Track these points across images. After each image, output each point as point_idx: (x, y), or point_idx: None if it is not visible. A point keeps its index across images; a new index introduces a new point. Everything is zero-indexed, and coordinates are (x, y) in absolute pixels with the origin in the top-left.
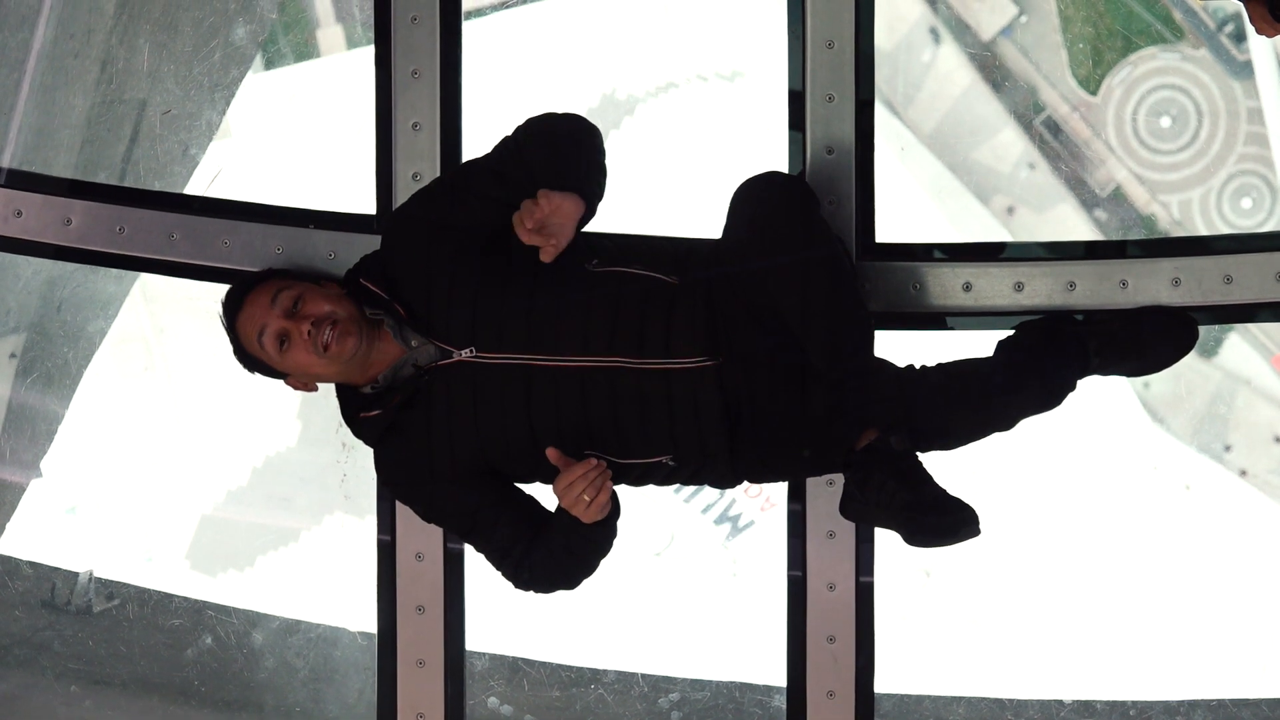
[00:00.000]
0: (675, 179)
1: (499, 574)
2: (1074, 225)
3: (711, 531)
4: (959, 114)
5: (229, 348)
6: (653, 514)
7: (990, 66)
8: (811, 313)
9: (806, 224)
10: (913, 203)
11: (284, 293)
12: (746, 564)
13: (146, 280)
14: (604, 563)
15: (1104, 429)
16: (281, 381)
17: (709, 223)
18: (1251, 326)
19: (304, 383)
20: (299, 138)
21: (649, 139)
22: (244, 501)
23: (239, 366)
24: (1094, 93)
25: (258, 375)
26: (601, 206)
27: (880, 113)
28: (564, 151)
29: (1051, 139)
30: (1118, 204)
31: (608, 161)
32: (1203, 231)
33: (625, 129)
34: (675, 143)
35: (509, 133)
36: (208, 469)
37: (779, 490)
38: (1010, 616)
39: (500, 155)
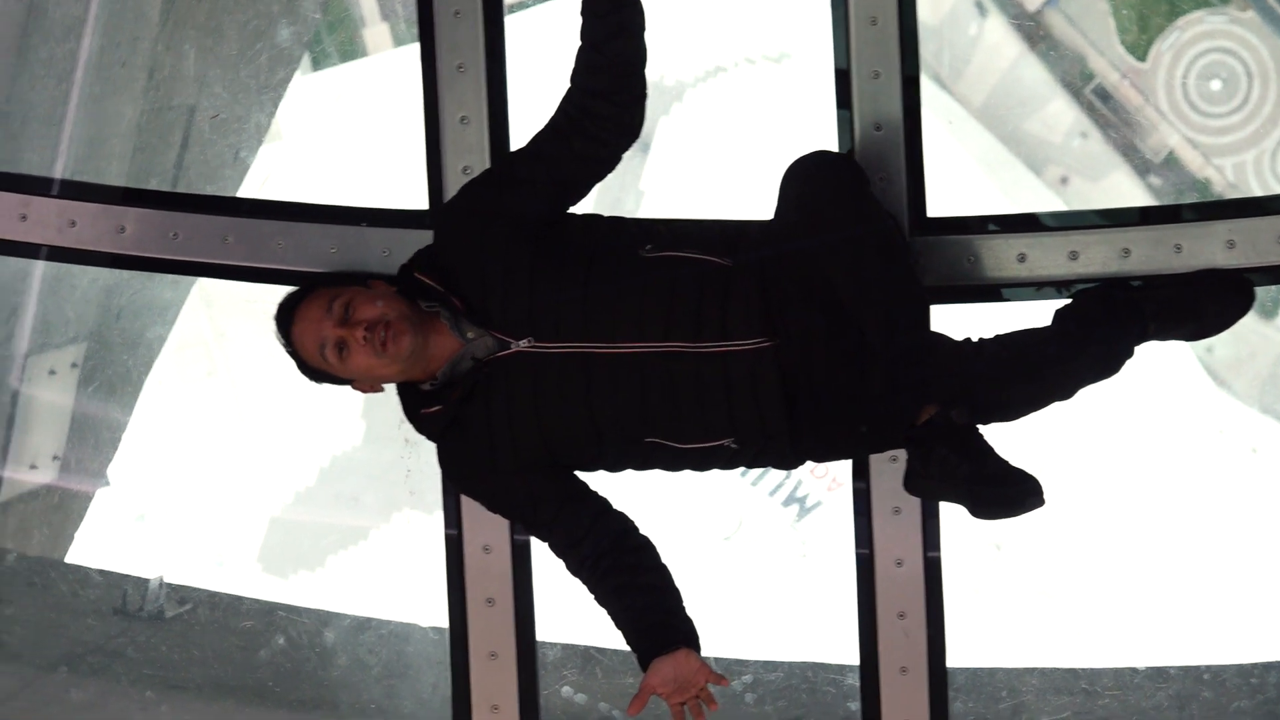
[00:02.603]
0: (726, 163)
1: (561, 562)
2: (1129, 192)
3: (780, 514)
4: (1008, 86)
5: (291, 360)
6: (721, 499)
7: (1037, 37)
8: (866, 290)
9: (857, 202)
10: (966, 177)
11: (335, 301)
12: (816, 544)
13: (206, 285)
14: (674, 547)
15: (1168, 395)
16: (349, 387)
17: (761, 205)
18: None
19: (370, 385)
20: (349, 137)
21: (699, 124)
22: (312, 502)
23: (305, 379)
24: (1143, 59)
25: (326, 385)
26: (654, 190)
27: (929, 88)
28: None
29: (1102, 107)
30: (1172, 169)
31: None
32: (1258, 193)
33: (675, 115)
34: (725, 127)
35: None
36: (275, 471)
37: (846, 470)
38: (1081, 585)
39: (537, 134)
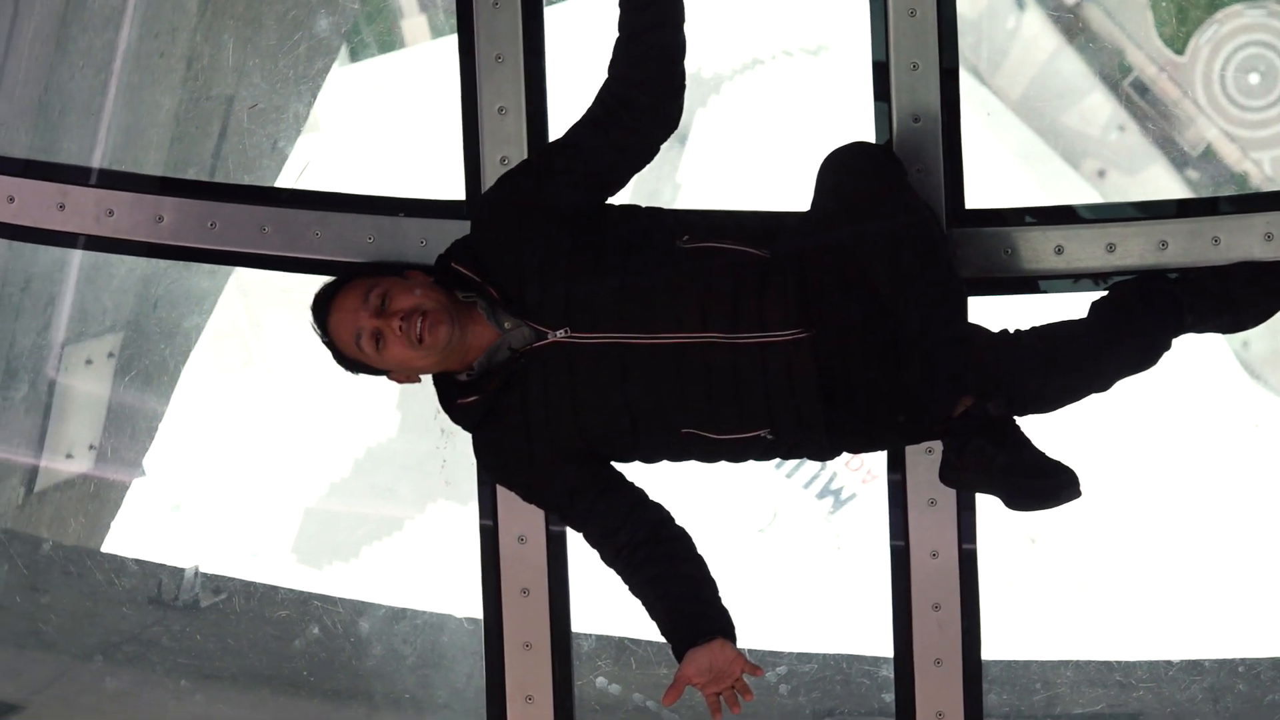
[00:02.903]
0: (764, 155)
1: (596, 553)
2: (1166, 186)
3: (814, 506)
4: (1046, 79)
5: (327, 350)
6: (755, 491)
7: (1075, 30)
8: (903, 280)
9: (894, 191)
10: (1003, 170)
11: (372, 292)
12: (850, 538)
13: (243, 275)
14: (708, 539)
15: (1203, 390)
16: (385, 378)
17: (799, 198)
18: None
19: (406, 376)
20: (386, 129)
21: (736, 117)
22: (347, 493)
23: (341, 369)
24: (1181, 52)
25: (361, 375)
26: (691, 182)
27: (967, 81)
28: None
29: (1140, 100)
30: (1209, 163)
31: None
32: None
33: (712, 107)
34: (763, 119)
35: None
36: (310, 462)
37: (880, 463)
38: (1116, 579)
39: (574, 126)
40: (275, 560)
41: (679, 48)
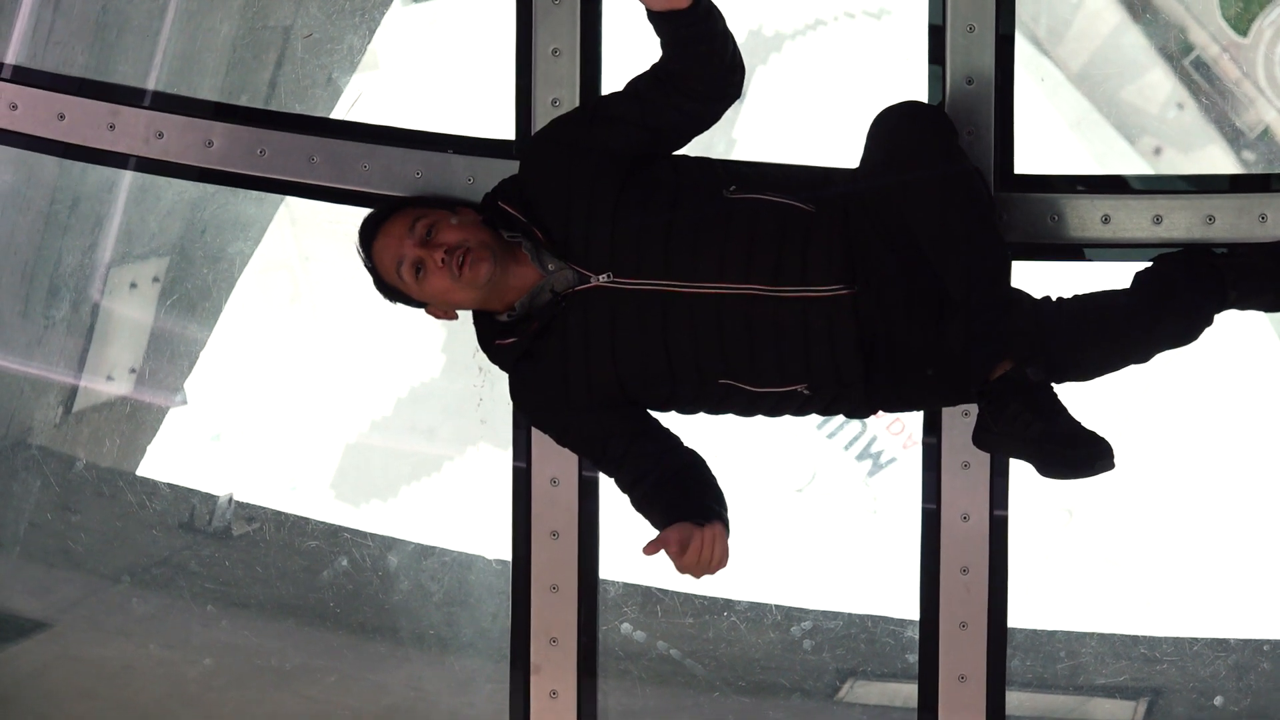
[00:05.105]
0: (821, 116)
1: (627, 498)
2: (1222, 167)
3: (853, 468)
4: (1107, 53)
5: (369, 279)
6: (795, 451)
7: (1139, 6)
8: (948, 241)
9: (945, 150)
10: (1060, 141)
11: (419, 222)
12: (887, 501)
13: (293, 204)
14: (746, 497)
15: (1243, 370)
16: (423, 310)
17: (852, 160)
18: None
19: (444, 310)
20: (441, 66)
21: (796, 76)
22: (388, 431)
23: (381, 298)
24: (1244, 34)
25: (399, 305)
26: (746, 139)
27: (1028, 51)
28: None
29: (1200, 79)
30: (1266, 145)
31: (740, 64)
32: None
33: (772, 65)
34: (822, 80)
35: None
36: (352, 399)
37: (920, 427)
38: (1148, 555)
39: (637, 77)
40: (313, 496)
41: (725, 58)
